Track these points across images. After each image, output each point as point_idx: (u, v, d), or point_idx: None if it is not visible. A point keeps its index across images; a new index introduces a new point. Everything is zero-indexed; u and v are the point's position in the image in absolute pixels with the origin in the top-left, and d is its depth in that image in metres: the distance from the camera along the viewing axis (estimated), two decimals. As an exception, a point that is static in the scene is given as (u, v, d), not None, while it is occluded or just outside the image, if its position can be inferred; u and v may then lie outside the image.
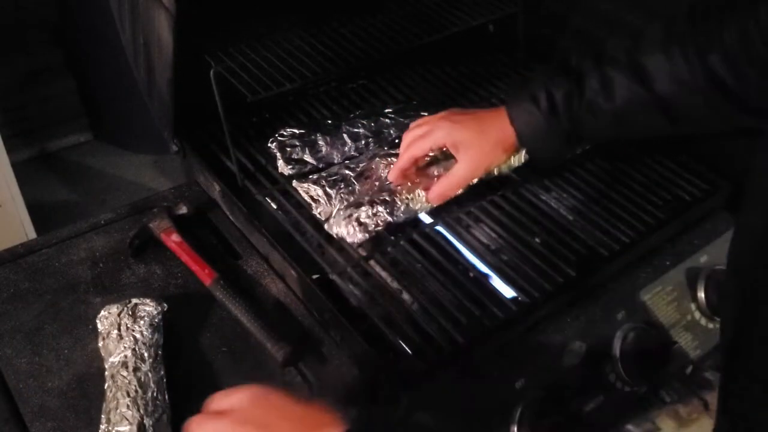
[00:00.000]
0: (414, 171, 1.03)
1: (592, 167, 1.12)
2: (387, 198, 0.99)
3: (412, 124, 1.03)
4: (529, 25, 1.30)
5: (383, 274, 0.95)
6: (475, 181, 1.02)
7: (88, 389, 0.86)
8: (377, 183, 1.05)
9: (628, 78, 0.91)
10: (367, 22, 1.22)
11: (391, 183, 1.02)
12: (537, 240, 1.00)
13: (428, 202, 1.01)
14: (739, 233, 0.73)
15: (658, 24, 0.92)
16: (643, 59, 0.91)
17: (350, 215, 0.97)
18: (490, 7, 1.25)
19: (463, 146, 0.98)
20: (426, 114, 1.17)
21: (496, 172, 1.03)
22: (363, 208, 0.98)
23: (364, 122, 1.15)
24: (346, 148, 1.11)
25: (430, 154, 1.03)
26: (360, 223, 0.96)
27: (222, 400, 0.69)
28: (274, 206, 1.05)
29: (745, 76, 0.86)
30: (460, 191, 1.01)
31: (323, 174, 1.06)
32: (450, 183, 1.00)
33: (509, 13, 1.25)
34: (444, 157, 1.03)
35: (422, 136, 1.00)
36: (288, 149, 1.09)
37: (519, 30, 1.30)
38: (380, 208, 0.98)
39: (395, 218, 0.98)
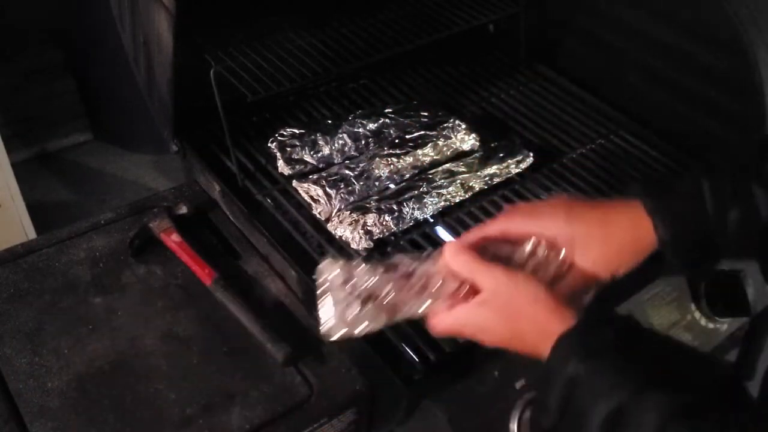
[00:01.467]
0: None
1: (592, 167, 1.12)
2: (394, 207, 0.99)
3: (519, 204, 0.88)
4: (530, 25, 1.30)
5: (383, 274, 0.95)
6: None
7: (88, 389, 0.86)
8: (377, 183, 1.05)
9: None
10: (367, 22, 1.22)
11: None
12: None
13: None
14: None
15: None
16: None
17: (356, 220, 0.97)
18: (490, 7, 1.25)
19: (581, 242, 0.77)
20: (426, 114, 1.17)
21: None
22: (370, 216, 0.97)
23: (364, 122, 1.15)
24: (347, 148, 1.11)
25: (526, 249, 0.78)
26: (367, 231, 0.96)
27: (474, 272, 0.71)
28: (274, 206, 1.05)
29: None
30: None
31: (323, 174, 1.06)
32: (572, 289, 0.76)
33: (510, 13, 1.25)
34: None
35: (527, 214, 0.80)
36: (288, 149, 1.09)
37: (521, 30, 1.30)
38: (387, 217, 0.97)
39: (402, 227, 0.98)
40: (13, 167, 1.86)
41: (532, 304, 0.69)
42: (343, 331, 0.75)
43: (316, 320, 0.77)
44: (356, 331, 0.75)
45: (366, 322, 0.74)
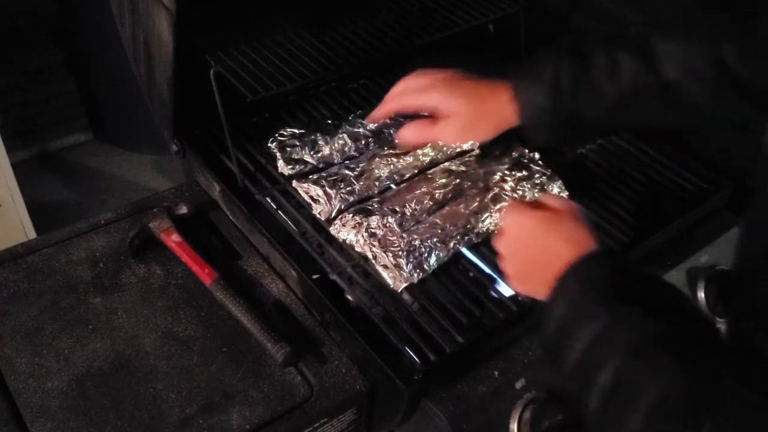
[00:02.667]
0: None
1: (592, 167, 1.12)
2: (397, 208, 0.99)
3: (411, 75, 1.03)
4: (530, 24, 1.30)
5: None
6: (430, 153, 1.04)
7: (88, 389, 0.86)
8: (376, 183, 1.05)
9: (636, 61, 0.91)
10: (367, 22, 1.21)
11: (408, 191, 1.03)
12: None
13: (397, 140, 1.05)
14: (747, 231, 0.73)
15: (672, 11, 0.92)
16: (654, 43, 0.90)
17: (360, 223, 0.97)
18: (490, 7, 1.25)
19: (453, 114, 0.99)
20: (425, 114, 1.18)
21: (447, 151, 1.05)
22: (373, 218, 0.97)
23: (364, 122, 1.15)
24: (347, 148, 1.11)
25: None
26: (371, 234, 0.96)
27: (503, 218, 0.87)
28: (274, 206, 1.05)
29: (755, 69, 0.86)
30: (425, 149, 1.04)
31: (323, 174, 1.06)
32: (422, 132, 1.01)
33: (510, 13, 1.25)
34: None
35: (417, 91, 1.01)
36: (288, 149, 1.09)
37: (521, 30, 1.30)
38: (390, 219, 0.97)
39: (405, 229, 0.97)
40: (13, 167, 1.87)
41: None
42: None
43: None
44: None
45: None
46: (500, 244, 0.85)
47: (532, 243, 0.81)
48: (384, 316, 0.89)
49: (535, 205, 0.84)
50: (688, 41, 0.89)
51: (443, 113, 0.99)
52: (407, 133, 1.03)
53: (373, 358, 0.85)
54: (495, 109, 0.97)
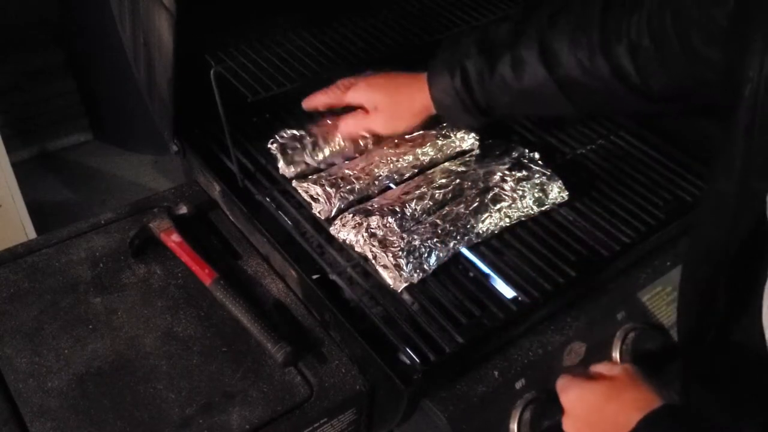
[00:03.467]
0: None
1: (592, 167, 1.12)
2: (396, 208, 0.99)
3: (351, 78, 1.11)
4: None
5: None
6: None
7: (88, 389, 0.86)
8: (376, 182, 1.05)
9: (536, 60, 0.96)
10: (367, 22, 1.21)
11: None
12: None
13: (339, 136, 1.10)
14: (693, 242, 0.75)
15: (574, 8, 0.95)
16: (552, 43, 0.95)
17: (360, 223, 0.97)
18: (490, 7, 1.25)
19: (377, 108, 1.07)
20: None
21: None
22: (374, 218, 0.97)
23: None
24: (346, 150, 1.11)
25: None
26: (371, 234, 0.96)
27: (560, 392, 0.88)
28: (274, 206, 1.05)
29: (644, 68, 0.90)
30: (366, 135, 1.11)
31: (323, 173, 1.06)
32: (357, 123, 1.09)
33: (510, 13, 1.25)
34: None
35: (344, 91, 1.09)
36: (289, 151, 1.09)
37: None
38: (390, 219, 0.97)
39: (405, 229, 0.97)
40: (13, 167, 1.87)
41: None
42: None
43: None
44: None
45: None
46: (567, 425, 0.85)
47: (599, 418, 0.81)
48: (384, 316, 0.89)
49: (590, 376, 0.88)
50: (582, 40, 0.93)
51: (369, 108, 1.08)
52: (348, 122, 1.10)
53: (373, 358, 0.85)
54: (413, 99, 1.06)
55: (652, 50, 0.89)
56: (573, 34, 0.94)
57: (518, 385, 0.88)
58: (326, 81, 1.12)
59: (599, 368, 0.88)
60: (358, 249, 0.96)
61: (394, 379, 0.82)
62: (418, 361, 0.84)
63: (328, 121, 1.13)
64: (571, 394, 0.86)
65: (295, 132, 1.12)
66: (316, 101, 1.12)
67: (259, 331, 0.89)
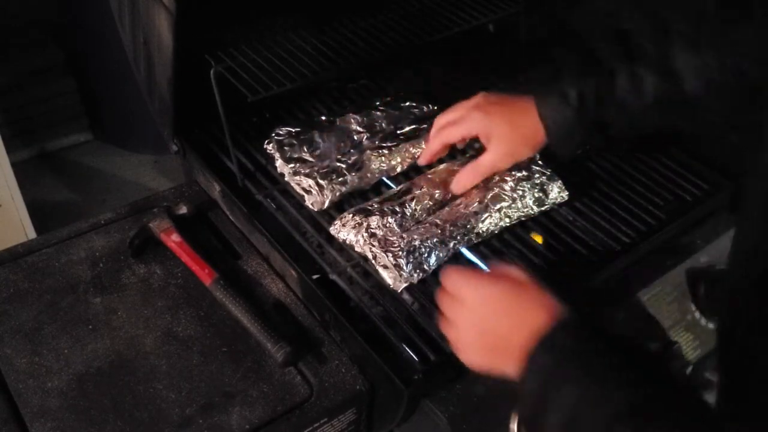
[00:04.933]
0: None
1: (593, 167, 1.12)
2: (397, 208, 0.99)
3: (446, 111, 1.03)
4: (530, 25, 1.30)
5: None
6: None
7: (88, 389, 0.86)
8: (368, 174, 1.05)
9: (657, 76, 0.91)
10: (367, 22, 1.21)
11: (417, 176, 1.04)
12: (535, 236, 1.00)
13: (452, 191, 1.02)
14: (738, 234, 0.73)
15: (686, 19, 0.91)
16: (672, 56, 0.90)
17: (360, 223, 0.97)
18: (490, 7, 1.25)
19: (495, 138, 0.98)
20: (415, 104, 1.19)
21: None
22: (374, 218, 0.97)
23: (357, 117, 1.15)
24: (342, 144, 1.11)
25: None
26: (371, 234, 0.96)
27: (456, 285, 0.79)
28: (274, 206, 1.05)
29: None
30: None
31: (315, 167, 1.06)
32: (476, 171, 1.00)
33: (510, 13, 1.25)
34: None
35: (455, 123, 1.01)
36: (286, 148, 1.09)
37: (521, 30, 1.30)
38: (390, 219, 0.97)
39: (405, 229, 0.97)
40: (13, 167, 1.87)
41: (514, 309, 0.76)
42: None
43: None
44: None
45: None
46: (458, 315, 0.79)
47: (500, 313, 0.76)
48: (384, 316, 0.89)
49: (495, 274, 0.80)
50: (706, 52, 0.88)
51: (485, 136, 0.99)
52: (463, 180, 1.01)
53: (373, 358, 0.85)
54: (530, 127, 0.97)
55: None
56: (692, 44, 0.89)
57: (518, 385, 0.88)
58: (326, 81, 1.12)
59: (505, 269, 0.80)
60: (358, 249, 0.96)
61: (394, 379, 0.82)
62: (418, 361, 0.84)
63: (429, 176, 1.05)
64: (474, 284, 0.78)
65: (291, 129, 1.12)
66: (435, 150, 1.04)
67: (259, 331, 0.89)
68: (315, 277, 0.95)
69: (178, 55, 0.94)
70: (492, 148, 0.99)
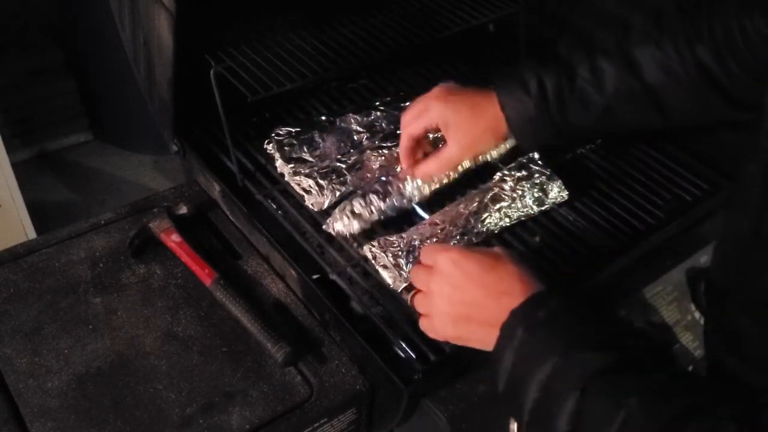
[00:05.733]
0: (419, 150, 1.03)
1: (592, 167, 1.12)
2: (379, 188, 1.00)
3: (409, 106, 1.03)
4: (530, 24, 1.30)
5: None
6: (466, 165, 1.03)
7: (88, 389, 0.86)
8: (368, 174, 1.06)
9: (618, 68, 0.91)
10: (367, 22, 1.21)
11: (390, 174, 1.03)
12: (537, 239, 1.00)
13: (417, 178, 1.01)
14: (725, 234, 0.73)
15: (648, 15, 0.92)
16: (633, 50, 0.91)
17: (344, 207, 0.98)
18: (490, 7, 1.25)
19: (452, 129, 0.97)
20: None
21: (482, 159, 1.04)
22: (356, 200, 0.98)
23: (357, 117, 1.16)
24: (342, 144, 1.11)
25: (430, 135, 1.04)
26: (354, 214, 0.97)
27: (430, 255, 0.79)
28: (274, 206, 1.05)
29: (730, 70, 0.88)
30: (447, 172, 1.02)
31: (315, 167, 1.06)
32: (438, 163, 0.99)
33: (510, 13, 1.25)
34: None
35: (417, 117, 1.00)
36: (286, 148, 1.09)
37: (520, 30, 1.30)
38: (372, 197, 0.98)
39: (387, 205, 0.98)
40: (13, 167, 1.87)
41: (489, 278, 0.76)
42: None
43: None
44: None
45: None
46: (431, 283, 0.78)
47: (474, 282, 0.75)
48: (384, 316, 0.89)
49: (472, 248, 0.81)
50: (666, 44, 0.90)
51: (444, 126, 0.98)
52: (425, 169, 1.01)
53: (373, 357, 0.85)
54: (490, 118, 0.97)
55: (730, 53, 0.86)
56: (653, 37, 0.90)
57: (518, 385, 0.88)
58: (326, 81, 1.12)
59: (478, 248, 0.82)
60: (345, 231, 0.97)
61: (394, 379, 0.82)
62: (417, 360, 0.84)
63: (383, 177, 1.03)
64: (448, 253, 0.77)
65: (290, 129, 1.12)
66: (405, 146, 1.02)
67: (259, 331, 0.89)
68: (315, 277, 0.95)
69: (178, 55, 0.94)
70: (451, 139, 0.98)
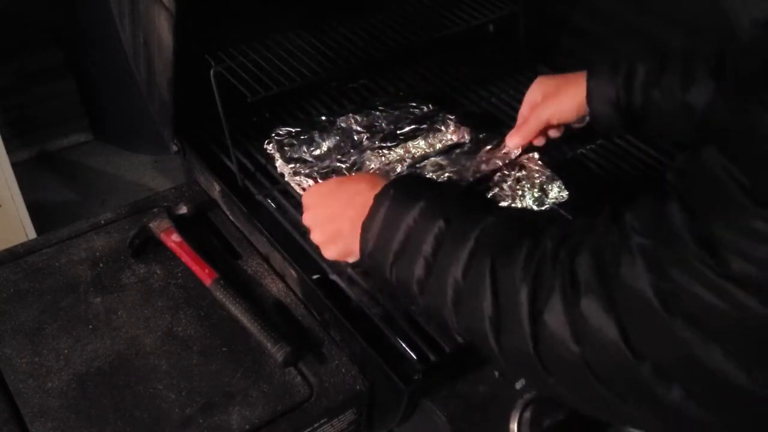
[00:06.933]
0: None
1: (592, 166, 1.12)
2: None
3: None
4: (530, 24, 1.30)
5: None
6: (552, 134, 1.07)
7: (88, 389, 0.86)
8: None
9: (710, 76, 0.89)
10: (367, 22, 1.21)
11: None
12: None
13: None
14: None
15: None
16: (725, 65, 0.88)
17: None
18: (490, 7, 1.25)
19: (542, 95, 1.04)
20: (415, 104, 1.19)
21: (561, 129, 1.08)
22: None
23: (357, 117, 1.16)
24: (342, 144, 1.11)
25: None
26: None
27: (305, 198, 0.88)
28: (274, 206, 1.05)
29: None
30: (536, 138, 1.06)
31: (315, 167, 1.06)
32: (528, 128, 1.04)
33: (510, 13, 1.25)
34: None
35: (530, 104, 1.06)
36: (286, 148, 1.09)
37: (520, 30, 1.30)
38: None
39: None
40: (13, 167, 1.86)
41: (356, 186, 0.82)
42: None
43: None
44: None
45: None
46: (305, 219, 0.86)
47: (330, 199, 0.83)
48: (384, 316, 0.89)
49: None
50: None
51: (536, 97, 1.05)
52: (517, 138, 1.06)
53: (373, 357, 0.85)
54: (573, 95, 1.01)
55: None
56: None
57: (518, 385, 0.88)
58: (326, 81, 1.12)
59: None
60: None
61: (394, 378, 0.82)
62: (417, 360, 0.84)
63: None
64: (307, 192, 0.88)
65: (291, 129, 1.12)
66: (532, 123, 1.06)
67: (259, 331, 0.89)
68: (315, 277, 0.95)
69: (178, 55, 0.94)
70: (542, 105, 1.03)
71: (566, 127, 1.07)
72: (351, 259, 0.83)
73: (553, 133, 1.08)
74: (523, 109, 1.08)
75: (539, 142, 1.08)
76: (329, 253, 0.84)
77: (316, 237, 0.85)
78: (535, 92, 1.06)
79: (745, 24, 0.57)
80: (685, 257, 0.52)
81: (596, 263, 0.58)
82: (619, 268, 0.56)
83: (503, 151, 1.07)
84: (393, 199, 0.74)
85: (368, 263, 0.77)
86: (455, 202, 0.72)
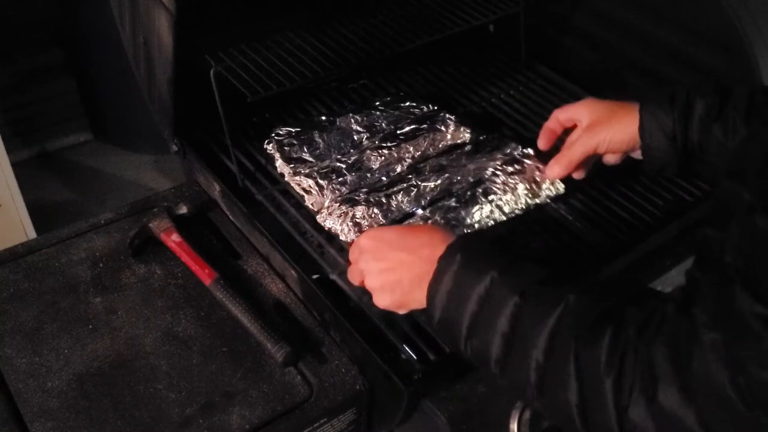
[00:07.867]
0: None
1: (591, 167, 1.12)
2: (383, 200, 0.99)
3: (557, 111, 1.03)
4: (530, 24, 1.30)
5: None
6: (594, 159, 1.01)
7: (88, 389, 0.86)
8: (368, 175, 1.05)
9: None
10: (367, 22, 1.21)
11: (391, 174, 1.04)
12: (538, 241, 1.00)
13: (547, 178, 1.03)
14: None
15: None
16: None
17: (345, 213, 0.97)
18: (490, 7, 1.25)
19: (588, 121, 0.98)
20: (415, 104, 1.19)
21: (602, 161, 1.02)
22: (359, 208, 0.98)
23: (357, 117, 1.16)
24: (342, 144, 1.11)
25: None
26: (355, 223, 0.96)
27: (354, 246, 0.83)
28: (274, 206, 1.05)
29: None
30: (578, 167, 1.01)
31: (315, 167, 1.06)
32: (572, 155, 0.99)
33: (510, 13, 1.25)
34: None
35: (566, 108, 1.02)
36: (286, 148, 1.09)
37: (521, 30, 1.30)
38: (376, 210, 0.98)
39: (390, 219, 0.98)
40: (13, 167, 1.86)
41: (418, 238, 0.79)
42: None
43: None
44: None
45: None
46: (361, 262, 0.81)
47: (396, 248, 0.78)
48: (384, 316, 0.89)
49: None
50: None
51: (581, 121, 1.00)
52: (557, 169, 1.01)
53: (373, 358, 0.85)
54: (626, 124, 0.95)
55: None
56: None
57: (518, 385, 0.88)
58: (326, 81, 1.12)
59: None
60: (342, 238, 0.96)
61: (394, 379, 0.82)
62: (418, 361, 0.84)
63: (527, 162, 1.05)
64: (367, 234, 0.82)
65: (290, 129, 1.12)
66: (546, 136, 1.04)
67: (259, 331, 0.89)
68: (315, 277, 0.95)
69: (178, 54, 0.94)
70: (588, 131, 0.98)
71: (597, 159, 1.01)
72: (402, 311, 0.79)
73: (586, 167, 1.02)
74: (551, 123, 1.03)
75: (579, 175, 1.02)
76: (383, 301, 0.79)
77: (371, 282, 0.80)
78: (581, 113, 1.00)
79: None
80: (759, 351, 0.52)
81: (671, 354, 0.57)
82: (692, 361, 0.56)
83: (539, 178, 1.03)
84: (461, 265, 0.71)
85: (437, 330, 0.76)
86: (530, 274, 0.68)
